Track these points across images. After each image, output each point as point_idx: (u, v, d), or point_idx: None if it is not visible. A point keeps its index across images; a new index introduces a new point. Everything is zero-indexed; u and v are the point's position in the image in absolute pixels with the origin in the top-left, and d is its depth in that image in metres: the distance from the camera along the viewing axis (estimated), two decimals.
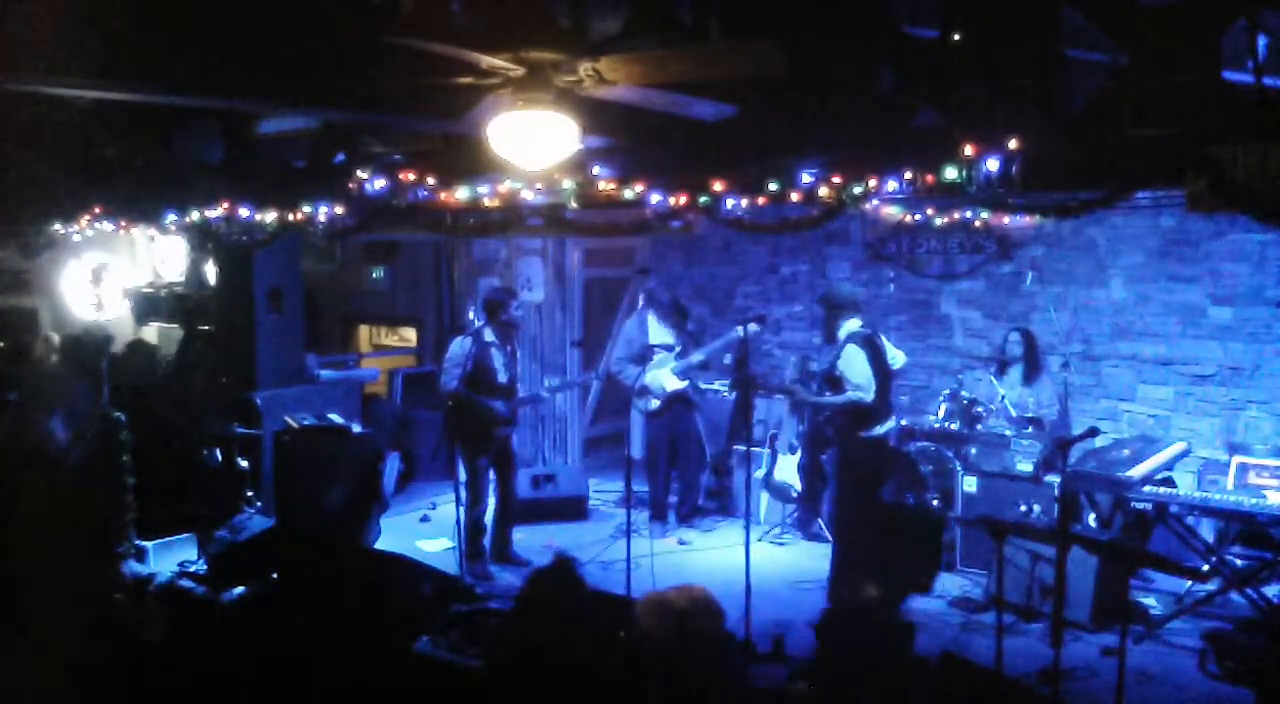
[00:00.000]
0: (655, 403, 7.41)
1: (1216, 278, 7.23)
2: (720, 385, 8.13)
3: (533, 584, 3.23)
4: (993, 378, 7.26)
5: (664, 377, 7.38)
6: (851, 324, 5.86)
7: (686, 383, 7.41)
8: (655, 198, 5.53)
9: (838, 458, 6.16)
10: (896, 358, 6.13)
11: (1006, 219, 7.42)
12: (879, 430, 5.73)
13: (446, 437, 6.68)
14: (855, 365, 5.72)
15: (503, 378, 6.57)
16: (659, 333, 7.47)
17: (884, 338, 6.10)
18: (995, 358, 7.48)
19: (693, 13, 4.71)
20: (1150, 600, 5.88)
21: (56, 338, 9.31)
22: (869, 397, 5.66)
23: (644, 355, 7.36)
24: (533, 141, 4.25)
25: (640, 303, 8.05)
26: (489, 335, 6.56)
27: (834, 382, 5.87)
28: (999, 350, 7.33)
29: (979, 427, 6.88)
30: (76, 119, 6.60)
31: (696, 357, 7.39)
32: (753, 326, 7.21)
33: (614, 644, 3.39)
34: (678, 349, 7.42)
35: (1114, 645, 4.34)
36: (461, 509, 6.38)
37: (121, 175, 7.52)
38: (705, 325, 8.88)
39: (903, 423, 6.99)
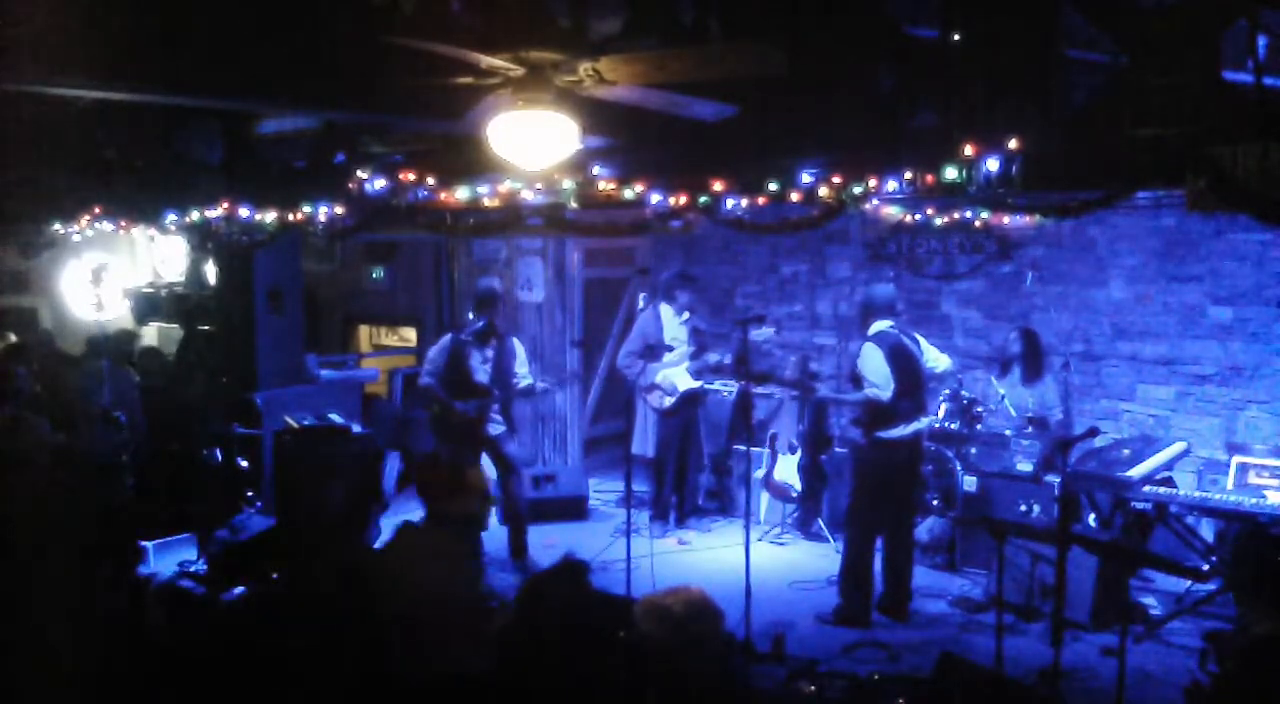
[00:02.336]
0: (669, 401, 7.39)
1: (1216, 278, 7.22)
2: (721, 385, 8.08)
3: (534, 584, 3.22)
4: (993, 378, 7.26)
5: (677, 375, 7.37)
6: (880, 325, 5.83)
7: (700, 383, 7.40)
8: (655, 198, 5.53)
9: (854, 457, 6.13)
10: (939, 362, 6.03)
11: (1006, 219, 7.40)
12: (897, 432, 5.70)
13: (433, 435, 6.67)
14: (870, 363, 5.70)
15: (480, 377, 6.52)
16: (673, 328, 7.43)
17: (923, 341, 6.02)
18: (997, 358, 7.47)
19: (693, 13, 4.72)
20: (1150, 600, 5.88)
21: (14, 337, 9.27)
22: (885, 394, 5.62)
23: (657, 351, 7.34)
24: (533, 141, 4.25)
25: (653, 296, 7.96)
26: (466, 333, 6.57)
27: (857, 380, 5.86)
28: (1000, 350, 7.33)
29: (979, 427, 6.87)
30: (76, 119, 6.61)
31: (712, 357, 7.38)
32: (768, 330, 7.18)
33: (615, 645, 3.38)
34: (692, 349, 7.40)
35: (1114, 645, 4.34)
36: None
37: (121, 175, 7.52)
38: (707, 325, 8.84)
39: None
